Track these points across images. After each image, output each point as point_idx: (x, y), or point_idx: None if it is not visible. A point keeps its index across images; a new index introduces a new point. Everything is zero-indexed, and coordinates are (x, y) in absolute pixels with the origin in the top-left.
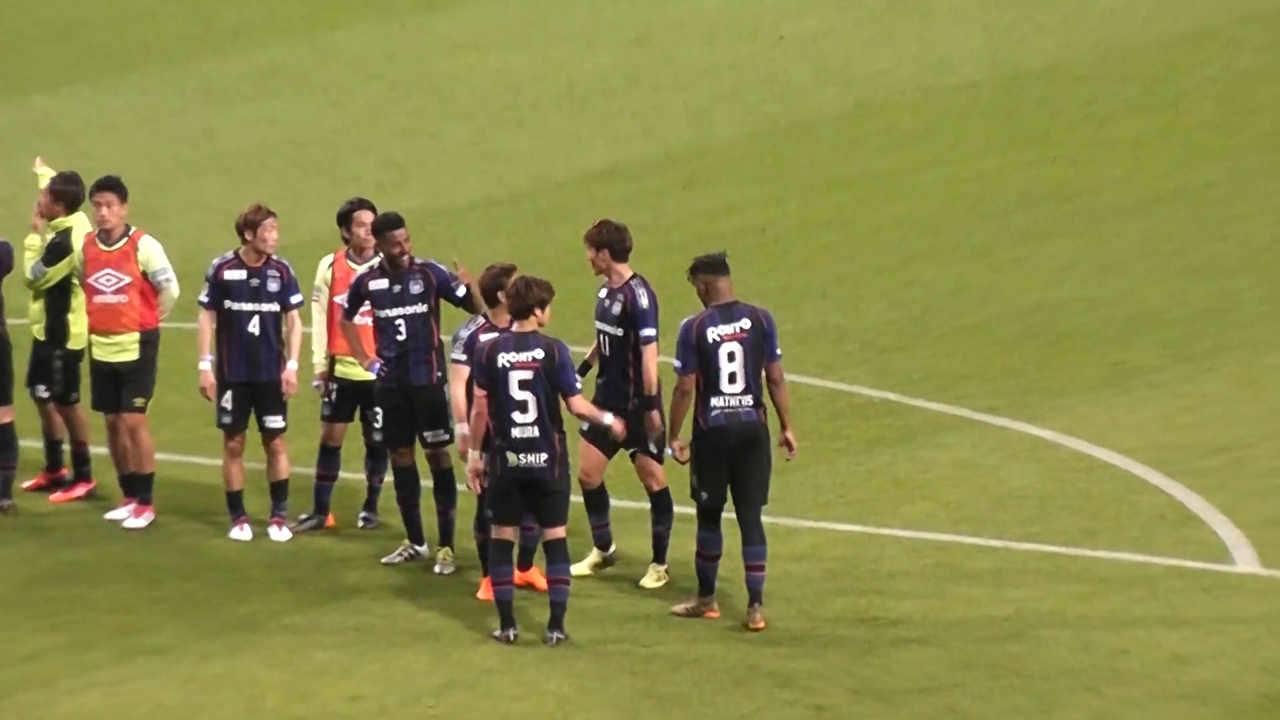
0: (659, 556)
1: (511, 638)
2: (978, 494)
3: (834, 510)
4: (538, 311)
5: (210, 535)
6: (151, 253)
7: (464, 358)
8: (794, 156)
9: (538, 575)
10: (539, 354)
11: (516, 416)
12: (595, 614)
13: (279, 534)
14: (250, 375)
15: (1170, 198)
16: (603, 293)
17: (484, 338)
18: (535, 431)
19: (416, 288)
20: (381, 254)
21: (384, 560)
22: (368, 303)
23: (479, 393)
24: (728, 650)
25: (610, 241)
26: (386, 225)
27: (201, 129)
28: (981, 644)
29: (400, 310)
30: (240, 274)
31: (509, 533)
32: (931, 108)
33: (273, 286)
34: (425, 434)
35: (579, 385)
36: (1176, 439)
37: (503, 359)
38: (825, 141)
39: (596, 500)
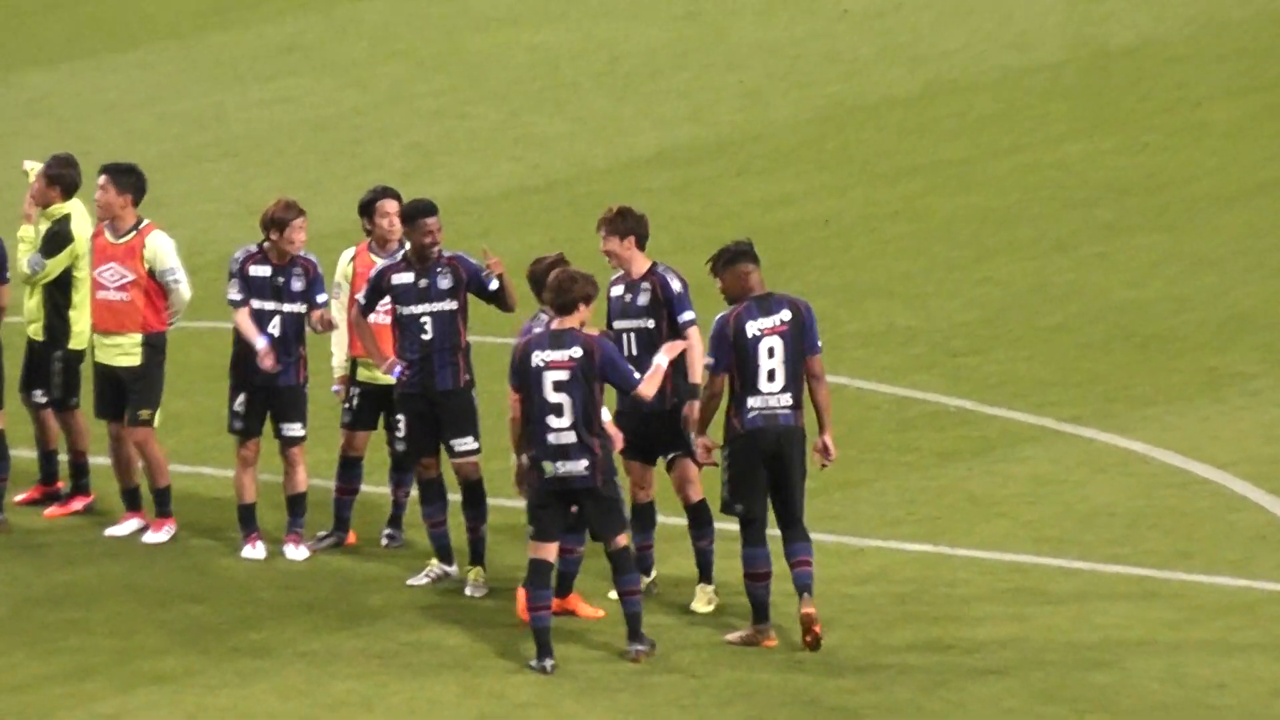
0: (705, 575)
1: (549, 668)
2: (1060, 512)
3: (903, 529)
4: (581, 308)
5: (220, 553)
6: (160, 250)
7: None
8: (858, 142)
9: (579, 602)
10: (576, 352)
11: (551, 420)
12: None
13: (295, 552)
14: (267, 378)
15: (1270, 188)
16: (618, 288)
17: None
18: (572, 437)
19: (445, 283)
20: (408, 245)
21: (409, 582)
22: (388, 299)
23: (512, 395)
24: (785, 682)
25: (637, 229)
26: (418, 212)
27: (210, 110)
28: (1064, 675)
29: (426, 307)
30: (264, 270)
31: (549, 551)
32: (1009, 89)
33: (297, 285)
34: (452, 443)
35: (636, 375)
36: (1278, 451)
37: (537, 358)
38: (892, 126)
39: (644, 517)
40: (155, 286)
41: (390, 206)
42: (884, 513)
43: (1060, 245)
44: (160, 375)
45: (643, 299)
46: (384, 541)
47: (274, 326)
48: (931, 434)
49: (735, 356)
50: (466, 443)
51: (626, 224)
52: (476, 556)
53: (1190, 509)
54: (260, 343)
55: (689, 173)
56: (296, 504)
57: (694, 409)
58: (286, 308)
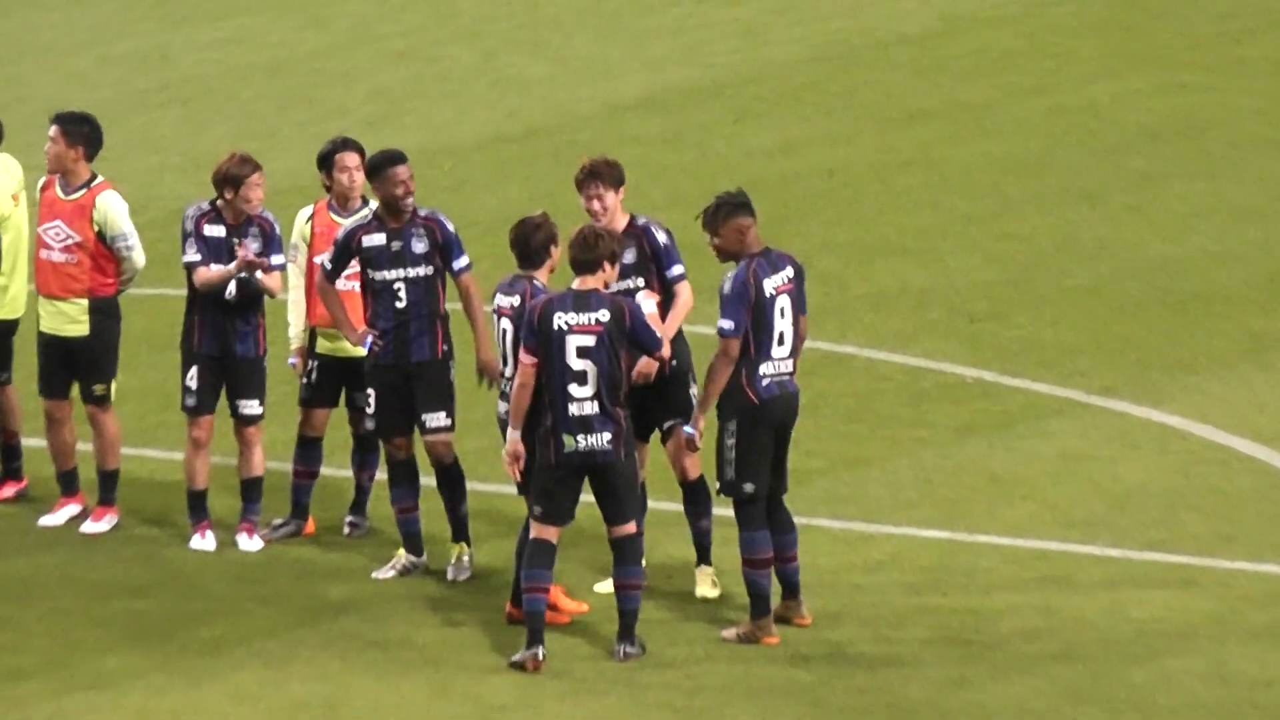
0: (705, 557)
1: (540, 657)
2: (1090, 492)
3: (918, 512)
4: (606, 266)
5: (166, 543)
6: (112, 212)
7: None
8: (866, 84)
9: (560, 595)
10: (604, 315)
11: (574, 390)
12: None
13: (249, 543)
14: (222, 349)
15: None
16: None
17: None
18: (595, 408)
19: (420, 245)
20: (376, 202)
21: (375, 575)
22: (356, 263)
23: (526, 360)
24: (789, 681)
25: (623, 178)
26: (386, 161)
27: (155, 52)
28: (1096, 673)
29: (400, 272)
30: (219, 230)
31: (554, 534)
32: (1032, 24)
33: (254, 246)
34: (424, 418)
35: (658, 334)
36: None
37: (559, 320)
38: (904, 65)
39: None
40: (104, 251)
41: (351, 160)
42: (896, 494)
43: (1089, 196)
44: (114, 345)
45: (628, 256)
46: (346, 530)
47: (229, 291)
48: (948, 407)
49: (753, 318)
50: (439, 418)
51: (619, 173)
52: (459, 533)
53: (1233, 489)
54: (231, 268)
55: (682, 119)
56: (252, 489)
57: (715, 377)
58: (259, 277)
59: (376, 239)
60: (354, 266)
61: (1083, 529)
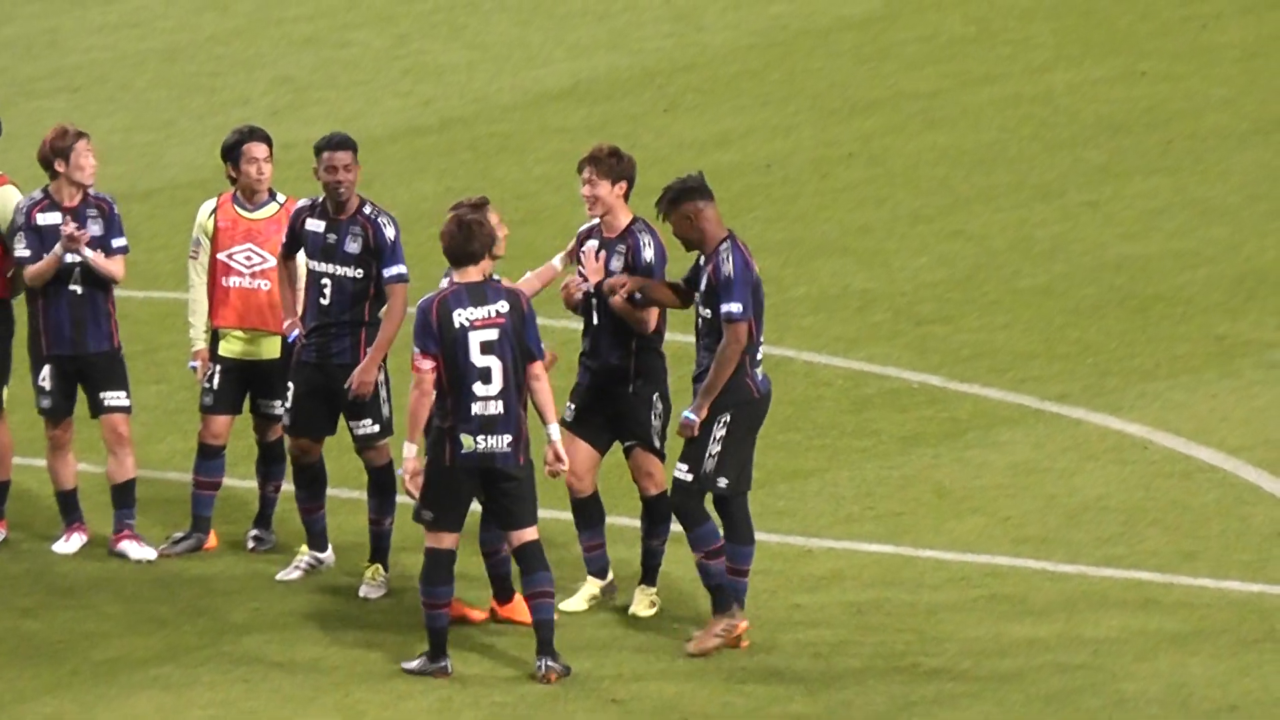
0: (650, 577)
1: (450, 670)
2: (1044, 506)
3: (860, 527)
4: (486, 258)
5: (56, 559)
6: (8, 208)
7: None
8: (806, 72)
9: (521, 609)
10: (503, 307)
11: (479, 388)
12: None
13: (140, 551)
14: (75, 347)
15: None
16: (589, 243)
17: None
18: (499, 407)
19: (354, 246)
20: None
21: (279, 577)
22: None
23: (425, 365)
24: (724, 707)
25: (630, 175)
26: (326, 144)
27: (43, 36)
28: (1049, 699)
29: (329, 267)
30: (53, 217)
31: (452, 541)
32: (983, 8)
33: (95, 229)
34: (351, 425)
35: (543, 345)
36: None
37: (459, 317)
38: (846, 53)
39: (589, 512)
40: None
41: (259, 150)
42: (837, 508)
43: (1044, 192)
44: (6, 350)
45: (616, 263)
46: (250, 544)
47: (75, 283)
48: (893, 415)
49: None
50: (363, 425)
51: (621, 167)
52: (378, 552)
53: (1195, 502)
54: (57, 249)
55: (609, 109)
56: (125, 494)
57: (725, 363)
58: (87, 254)
59: (316, 225)
60: (255, 264)
61: (1036, 545)
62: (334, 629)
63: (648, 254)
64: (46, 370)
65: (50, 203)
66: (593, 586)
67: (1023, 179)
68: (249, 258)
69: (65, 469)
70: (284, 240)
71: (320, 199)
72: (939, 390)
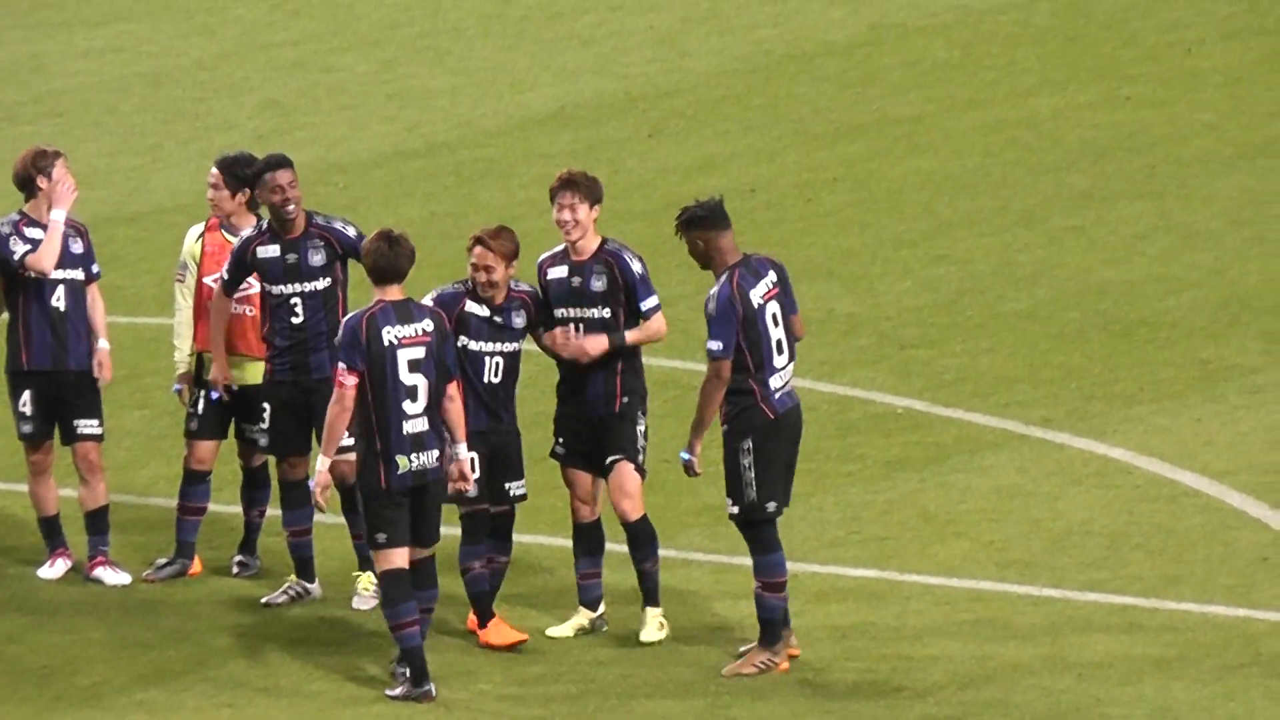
0: (652, 599)
1: (434, 694)
2: (1029, 531)
3: (845, 551)
4: (405, 276)
5: (40, 585)
6: None
7: None
8: (790, 97)
9: (502, 626)
10: (428, 325)
11: (407, 406)
12: (552, 657)
13: (115, 577)
14: (55, 362)
15: (1274, 148)
16: (559, 270)
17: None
18: (425, 424)
19: (317, 258)
20: (268, 214)
21: (265, 600)
22: (254, 277)
23: (350, 380)
24: None
25: (602, 198)
26: (265, 166)
27: (28, 61)
28: None
29: (296, 287)
30: (37, 233)
31: (404, 557)
32: (967, 33)
33: (76, 248)
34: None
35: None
36: None
37: (388, 334)
38: (831, 78)
39: (591, 539)
40: None
41: (284, 178)
42: (822, 532)
43: (1028, 217)
44: None
45: (597, 284)
46: (235, 570)
47: (58, 298)
48: (877, 440)
49: (745, 332)
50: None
51: (599, 190)
52: (368, 561)
53: (1180, 527)
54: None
55: (593, 134)
56: (98, 520)
57: (708, 400)
58: (70, 274)
59: (270, 250)
60: (253, 288)
61: (1020, 569)
62: (319, 655)
63: (636, 266)
64: (26, 395)
65: (29, 221)
66: (582, 618)
67: (1007, 204)
68: None
69: (48, 494)
70: (227, 274)
71: (264, 225)
72: (923, 415)
